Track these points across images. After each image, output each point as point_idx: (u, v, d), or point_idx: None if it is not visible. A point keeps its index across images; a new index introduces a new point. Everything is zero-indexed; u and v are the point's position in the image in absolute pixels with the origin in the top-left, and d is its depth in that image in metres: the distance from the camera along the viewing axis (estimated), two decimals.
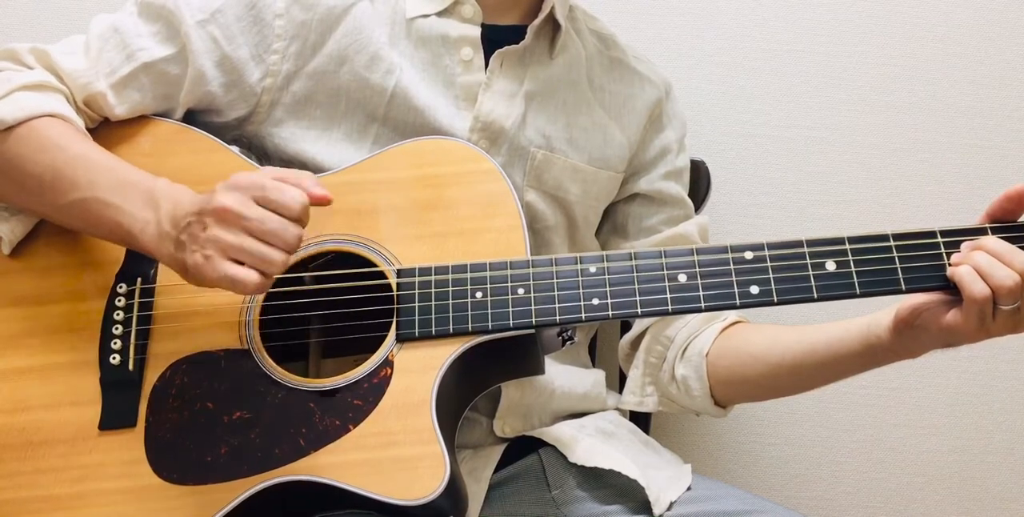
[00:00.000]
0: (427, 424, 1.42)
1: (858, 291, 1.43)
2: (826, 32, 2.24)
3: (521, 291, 1.48)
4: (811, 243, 1.45)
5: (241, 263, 1.33)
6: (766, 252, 1.45)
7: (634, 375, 1.81)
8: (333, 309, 1.52)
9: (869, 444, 2.30)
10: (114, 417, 1.48)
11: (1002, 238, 1.41)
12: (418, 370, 1.46)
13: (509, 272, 1.49)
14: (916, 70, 2.25)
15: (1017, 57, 2.26)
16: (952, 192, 2.25)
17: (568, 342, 1.53)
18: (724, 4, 2.23)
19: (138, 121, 1.64)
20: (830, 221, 2.23)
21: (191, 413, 1.47)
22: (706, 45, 2.24)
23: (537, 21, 1.70)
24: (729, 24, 2.23)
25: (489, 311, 1.47)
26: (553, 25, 1.75)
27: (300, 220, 1.34)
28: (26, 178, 1.51)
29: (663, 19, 2.23)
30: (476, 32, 1.68)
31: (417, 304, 1.49)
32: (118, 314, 1.53)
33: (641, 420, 1.99)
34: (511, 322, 1.47)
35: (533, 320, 1.47)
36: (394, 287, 1.50)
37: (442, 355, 1.46)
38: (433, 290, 1.49)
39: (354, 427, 1.43)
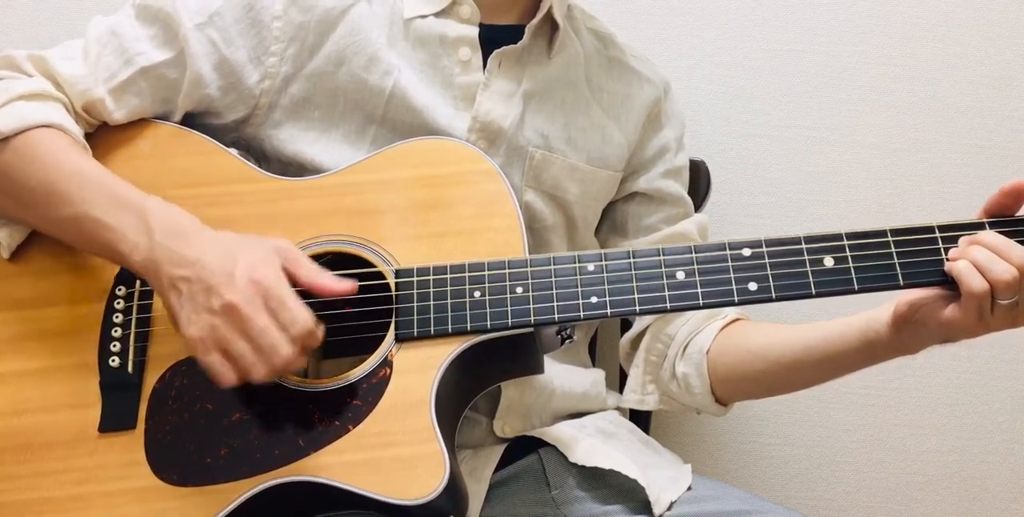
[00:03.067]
0: (426, 424, 1.42)
1: (856, 287, 1.43)
2: (826, 32, 2.24)
3: (519, 290, 1.48)
4: (809, 239, 1.45)
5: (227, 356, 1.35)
6: (764, 249, 1.45)
7: (635, 373, 1.81)
8: (332, 310, 1.52)
9: (869, 444, 2.30)
10: (114, 419, 1.48)
11: (1000, 233, 1.41)
12: (417, 370, 1.46)
13: (507, 271, 1.49)
14: (916, 70, 2.25)
15: (1017, 57, 2.26)
16: (952, 192, 2.25)
17: (567, 341, 1.53)
18: (724, 4, 2.23)
19: (137, 124, 1.64)
20: (830, 221, 2.23)
21: (191, 415, 1.47)
22: (706, 45, 2.24)
23: (535, 21, 1.70)
24: (729, 24, 2.24)
25: (487, 310, 1.47)
26: (551, 25, 1.75)
27: (299, 343, 1.35)
28: (20, 190, 1.51)
29: (663, 19, 2.23)
30: (474, 32, 1.68)
31: (415, 304, 1.49)
32: (117, 316, 1.53)
33: (641, 420, 1.99)
34: (509, 321, 1.47)
35: (532, 319, 1.47)
36: (392, 287, 1.50)
37: (441, 355, 1.46)
38: (431, 290, 1.49)
39: (353, 427, 1.43)
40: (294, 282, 1.38)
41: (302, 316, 1.34)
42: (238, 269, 1.36)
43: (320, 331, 1.37)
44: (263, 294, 1.34)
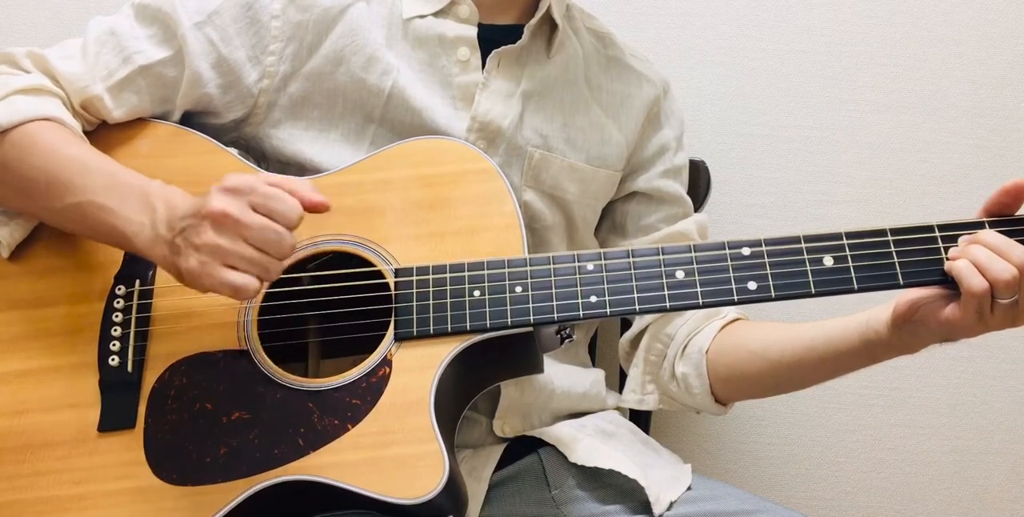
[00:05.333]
0: (426, 423, 1.42)
1: (856, 286, 1.42)
2: (826, 32, 2.24)
3: (519, 289, 1.48)
4: (808, 239, 1.45)
5: (236, 269, 1.34)
6: (763, 248, 1.45)
7: (634, 373, 1.81)
8: (331, 309, 1.52)
9: (869, 444, 2.30)
10: (113, 419, 1.48)
11: (999, 232, 1.40)
12: (416, 369, 1.46)
13: (507, 270, 1.49)
14: (916, 70, 2.26)
15: (1017, 57, 2.26)
16: (952, 192, 2.25)
17: (567, 340, 1.53)
18: (724, 4, 2.23)
19: (136, 123, 1.64)
20: (830, 221, 2.23)
21: (190, 414, 1.47)
22: (706, 45, 2.24)
23: (534, 21, 1.70)
24: (729, 24, 2.24)
25: (487, 309, 1.47)
26: (550, 24, 1.75)
27: (294, 229, 1.34)
28: (22, 182, 1.51)
29: (663, 19, 2.23)
30: (472, 32, 1.68)
31: (415, 303, 1.49)
32: (117, 316, 1.53)
33: (641, 420, 1.99)
34: (509, 320, 1.46)
35: (531, 318, 1.47)
36: (392, 287, 1.50)
37: (440, 354, 1.46)
38: (431, 289, 1.49)
39: (353, 426, 1.43)
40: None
41: (292, 203, 1.33)
42: (211, 190, 1.35)
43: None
44: (244, 196, 1.33)
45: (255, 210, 1.33)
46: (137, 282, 1.54)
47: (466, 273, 1.49)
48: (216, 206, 1.33)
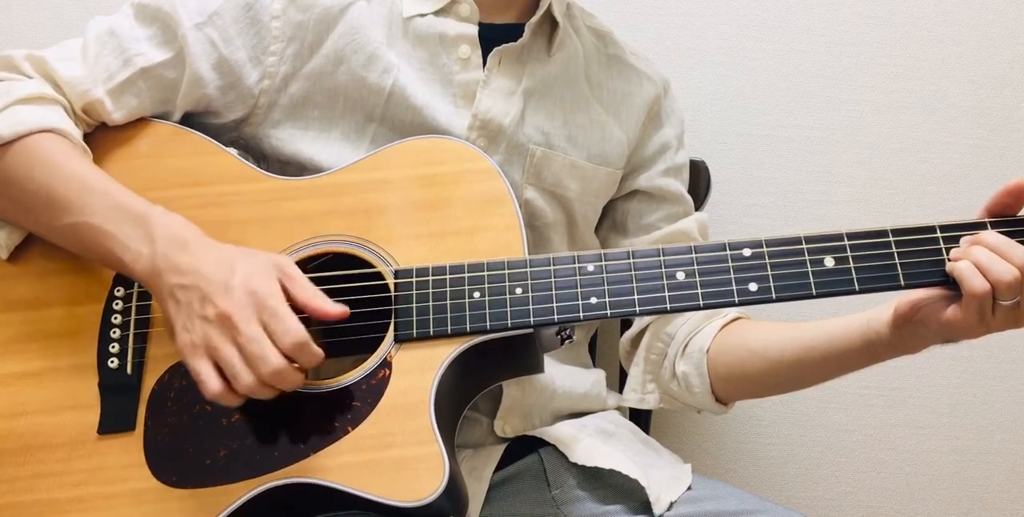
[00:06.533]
0: (426, 424, 1.41)
1: (857, 287, 1.42)
2: (826, 32, 2.24)
3: (519, 291, 1.47)
4: (809, 239, 1.44)
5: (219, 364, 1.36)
6: (764, 249, 1.45)
7: (635, 373, 1.81)
8: None
9: (869, 444, 2.30)
10: (113, 421, 1.48)
11: (1001, 233, 1.40)
12: (416, 371, 1.45)
13: (507, 272, 1.48)
14: (916, 70, 2.26)
15: (1017, 57, 2.26)
16: (952, 192, 2.25)
17: (567, 341, 1.53)
18: (724, 4, 2.23)
19: (135, 124, 1.64)
20: (830, 221, 2.23)
21: (190, 416, 1.47)
22: (706, 45, 2.24)
23: (535, 19, 1.70)
24: (729, 24, 2.24)
25: (487, 311, 1.47)
26: (551, 23, 1.75)
27: (291, 355, 1.35)
28: (21, 196, 1.51)
29: (663, 19, 2.23)
30: (473, 30, 1.68)
31: (415, 305, 1.48)
32: (116, 317, 1.52)
33: (641, 420, 1.99)
34: (509, 322, 1.46)
35: (531, 320, 1.46)
36: (392, 288, 1.50)
37: (440, 355, 1.46)
38: (431, 290, 1.49)
39: (353, 428, 1.43)
40: (290, 299, 1.38)
41: (294, 328, 1.34)
42: (235, 279, 1.36)
43: (315, 348, 1.36)
44: (257, 305, 1.35)
45: (259, 322, 1.35)
46: (136, 284, 1.54)
47: (466, 274, 1.49)
48: (225, 307, 1.35)
